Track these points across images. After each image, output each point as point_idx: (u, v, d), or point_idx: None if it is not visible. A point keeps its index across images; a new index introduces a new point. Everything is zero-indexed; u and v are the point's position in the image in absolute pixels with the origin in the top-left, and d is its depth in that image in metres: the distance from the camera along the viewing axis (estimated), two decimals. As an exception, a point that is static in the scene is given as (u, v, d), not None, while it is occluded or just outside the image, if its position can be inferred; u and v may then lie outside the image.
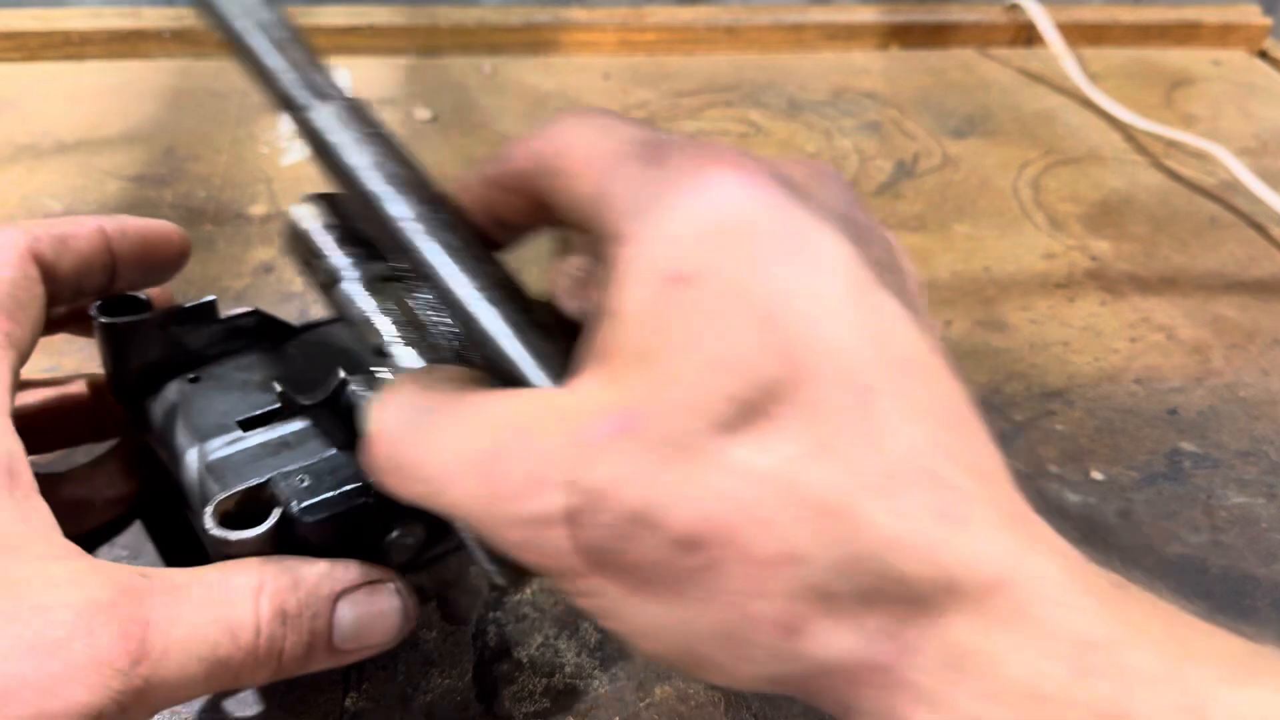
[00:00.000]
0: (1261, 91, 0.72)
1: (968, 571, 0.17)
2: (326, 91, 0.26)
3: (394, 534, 0.30)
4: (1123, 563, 0.37)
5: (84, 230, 0.29)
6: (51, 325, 0.32)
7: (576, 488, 0.17)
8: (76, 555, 0.23)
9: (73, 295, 0.30)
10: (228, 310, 0.33)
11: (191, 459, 0.30)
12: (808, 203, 0.19)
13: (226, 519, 0.27)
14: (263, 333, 0.34)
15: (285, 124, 0.60)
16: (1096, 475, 0.40)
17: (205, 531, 0.26)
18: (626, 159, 0.20)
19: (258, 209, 0.52)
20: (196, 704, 0.30)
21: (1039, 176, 0.60)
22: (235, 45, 0.27)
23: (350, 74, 0.65)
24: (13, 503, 0.23)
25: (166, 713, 0.30)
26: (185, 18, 0.66)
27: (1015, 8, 0.75)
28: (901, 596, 0.17)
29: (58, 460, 0.34)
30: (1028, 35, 0.76)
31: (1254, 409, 0.44)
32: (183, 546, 0.34)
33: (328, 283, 0.27)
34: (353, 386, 0.32)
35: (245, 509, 0.28)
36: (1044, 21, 0.73)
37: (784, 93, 0.67)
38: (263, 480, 0.28)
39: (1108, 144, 0.64)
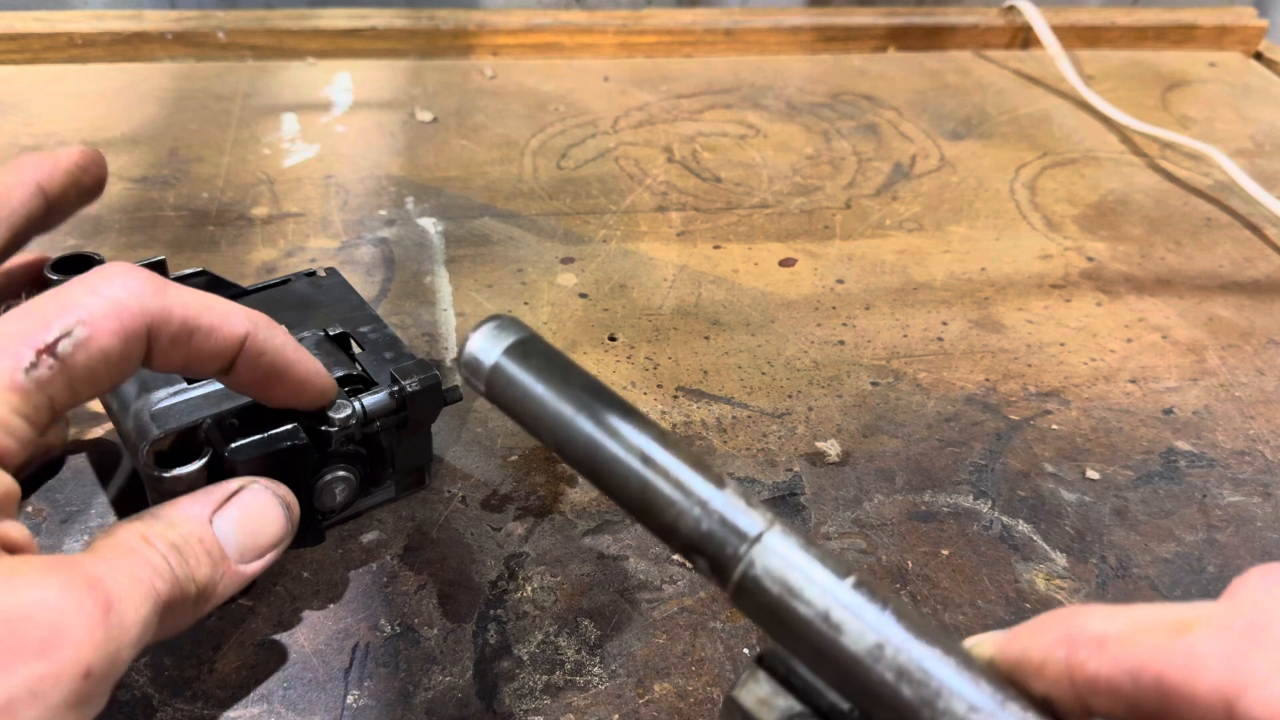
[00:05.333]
0: (1257, 93, 0.72)
1: None
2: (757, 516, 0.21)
3: (326, 478, 0.32)
4: (1119, 561, 0.38)
5: (21, 194, 0.30)
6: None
7: None
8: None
9: (58, 215, 0.31)
10: (178, 271, 0.35)
11: (137, 408, 0.31)
12: None
13: (164, 460, 0.28)
14: (213, 292, 0.36)
15: (286, 125, 0.60)
16: (1092, 474, 0.40)
17: (142, 469, 0.28)
18: None
19: (260, 210, 0.52)
20: (202, 702, 0.30)
21: (1035, 178, 0.60)
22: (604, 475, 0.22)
23: (352, 76, 0.66)
24: None
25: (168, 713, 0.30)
26: (187, 20, 0.66)
27: (1012, 10, 0.76)
28: None
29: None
30: (1024, 37, 0.76)
31: (1249, 408, 0.44)
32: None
33: None
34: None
35: (184, 451, 0.29)
36: (1040, 24, 0.73)
37: (782, 95, 0.68)
38: (196, 422, 0.29)
39: (1104, 145, 0.64)
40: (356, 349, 0.35)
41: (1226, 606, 0.17)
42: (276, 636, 0.32)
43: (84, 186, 0.32)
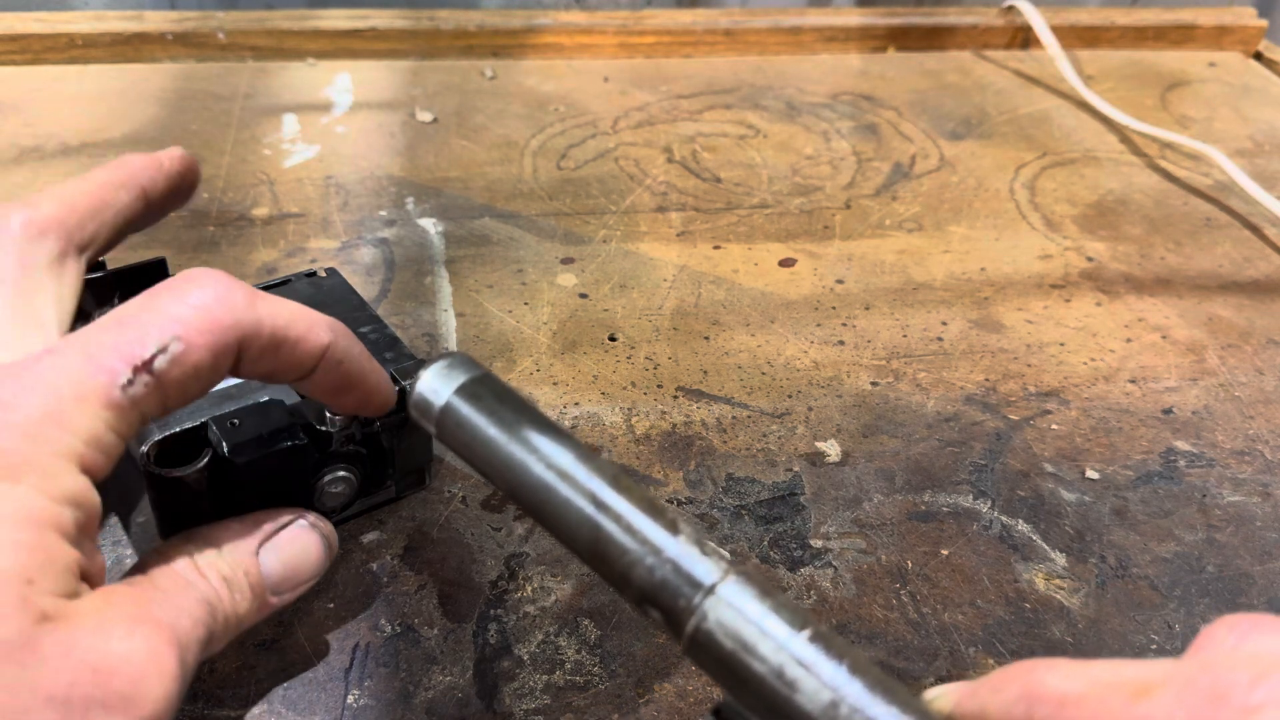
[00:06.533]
0: (1256, 93, 0.72)
1: None
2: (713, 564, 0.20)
3: (326, 478, 0.32)
4: (1118, 561, 0.38)
5: (126, 196, 0.30)
6: None
7: None
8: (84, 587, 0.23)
9: (157, 214, 0.32)
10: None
11: None
12: None
13: (165, 459, 0.28)
14: None
15: (287, 126, 0.60)
16: (1092, 474, 0.40)
17: (143, 469, 0.28)
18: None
19: (260, 211, 0.52)
20: (202, 702, 0.30)
21: (1035, 178, 0.60)
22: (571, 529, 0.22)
23: (352, 77, 0.66)
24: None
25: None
26: (187, 21, 0.66)
27: (1011, 10, 0.76)
28: None
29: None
30: (1024, 38, 0.76)
31: (1248, 408, 0.44)
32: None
33: None
34: None
35: (186, 451, 0.29)
36: (1040, 24, 0.73)
37: (782, 95, 0.68)
38: (197, 423, 0.29)
39: (1103, 145, 0.64)
40: None
41: (1190, 667, 0.17)
42: (276, 636, 0.32)
43: (181, 191, 0.32)
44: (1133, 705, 0.16)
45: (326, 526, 0.29)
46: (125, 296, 0.34)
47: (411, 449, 0.35)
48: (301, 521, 0.28)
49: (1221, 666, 0.16)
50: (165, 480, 0.28)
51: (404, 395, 0.32)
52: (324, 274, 0.39)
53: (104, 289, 0.34)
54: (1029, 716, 0.18)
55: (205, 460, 0.29)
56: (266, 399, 0.32)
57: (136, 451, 0.29)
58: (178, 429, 0.30)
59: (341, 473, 0.32)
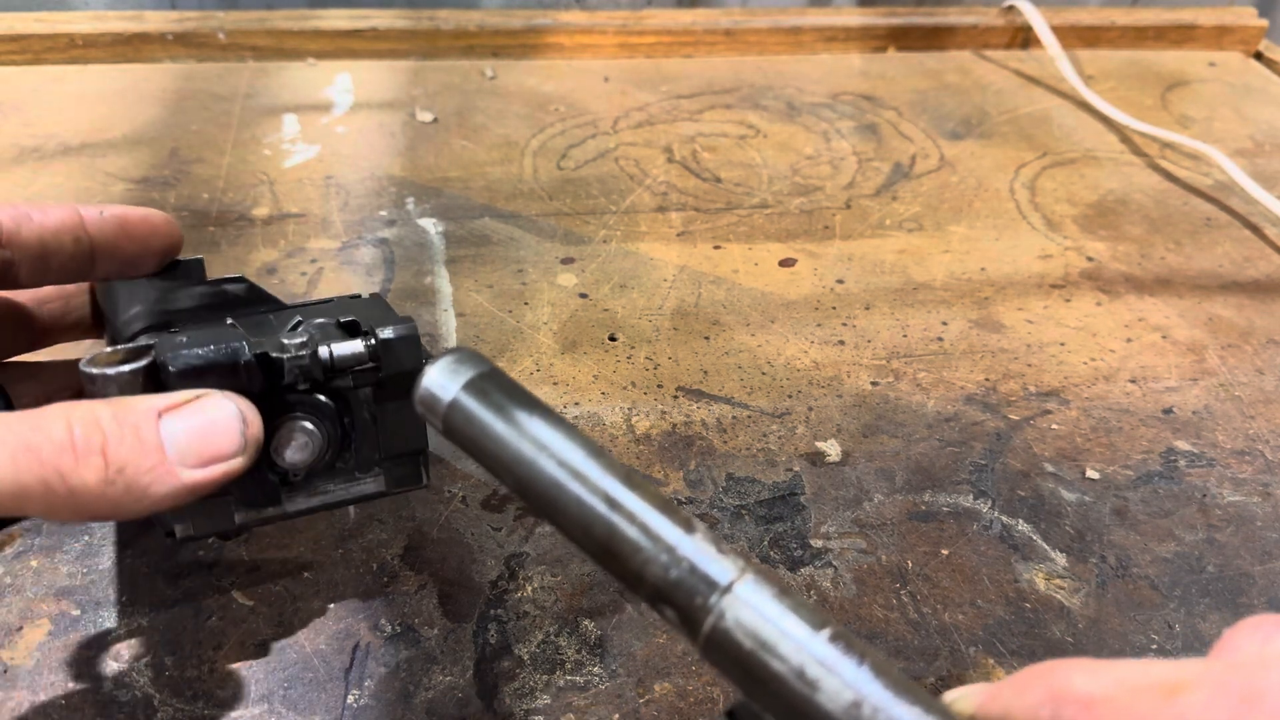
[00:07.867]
0: (1257, 93, 0.72)
1: None
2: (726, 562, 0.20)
3: (284, 425, 0.29)
4: (1118, 561, 0.38)
5: (54, 209, 0.29)
6: (43, 336, 0.33)
7: None
8: None
9: (40, 269, 0.29)
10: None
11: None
12: None
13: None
14: (252, 303, 0.35)
15: (287, 126, 0.60)
16: (1092, 474, 0.40)
17: (80, 372, 0.26)
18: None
19: (260, 211, 0.52)
20: (202, 702, 0.30)
21: (1035, 178, 0.60)
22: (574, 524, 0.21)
23: (352, 77, 0.66)
24: None
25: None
26: (188, 21, 0.66)
27: (1011, 10, 0.76)
28: None
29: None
30: (1024, 37, 0.76)
31: (1249, 408, 0.44)
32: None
33: None
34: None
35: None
36: (1040, 24, 0.73)
37: (782, 95, 0.68)
38: (150, 343, 0.28)
39: (1103, 145, 0.64)
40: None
41: (1220, 668, 0.17)
42: (276, 636, 0.32)
43: (134, 233, 0.30)
44: (1164, 706, 0.16)
45: (244, 403, 0.26)
46: (158, 296, 0.33)
47: (397, 425, 0.32)
48: (215, 395, 0.26)
49: (1254, 667, 0.16)
50: (95, 380, 0.26)
51: (378, 345, 0.30)
52: (368, 296, 0.38)
53: (137, 289, 0.33)
54: (1055, 718, 0.18)
55: (141, 364, 0.27)
56: (227, 326, 0.30)
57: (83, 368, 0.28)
58: (126, 346, 0.28)
59: (304, 422, 0.29)
